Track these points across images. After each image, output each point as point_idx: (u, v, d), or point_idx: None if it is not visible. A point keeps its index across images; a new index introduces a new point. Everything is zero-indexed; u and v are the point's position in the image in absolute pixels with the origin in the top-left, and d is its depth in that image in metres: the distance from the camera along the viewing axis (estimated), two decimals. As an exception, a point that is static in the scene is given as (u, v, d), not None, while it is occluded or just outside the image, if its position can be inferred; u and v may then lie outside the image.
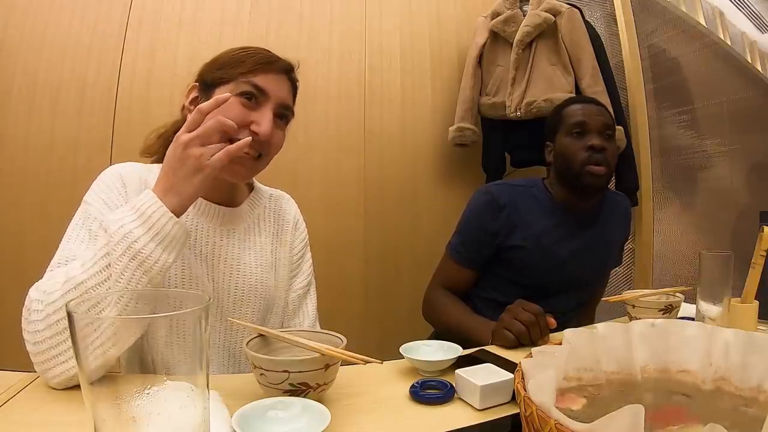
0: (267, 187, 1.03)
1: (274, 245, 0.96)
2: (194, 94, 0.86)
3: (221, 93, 0.81)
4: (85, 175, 0.88)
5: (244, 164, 0.82)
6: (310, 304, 1.00)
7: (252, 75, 0.82)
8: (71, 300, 0.35)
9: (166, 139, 0.91)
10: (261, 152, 0.84)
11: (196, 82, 0.87)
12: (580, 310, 1.37)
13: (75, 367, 0.62)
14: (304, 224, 1.04)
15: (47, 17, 1.53)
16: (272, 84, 0.84)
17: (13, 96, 1.50)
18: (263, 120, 0.81)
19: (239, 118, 0.79)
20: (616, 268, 1.96)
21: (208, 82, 0.85)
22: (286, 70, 0.88)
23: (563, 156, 1.23)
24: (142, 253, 0.66)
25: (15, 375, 0.68)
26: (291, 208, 1.03)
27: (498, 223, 1.22)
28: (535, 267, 1.23)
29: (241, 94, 0.81)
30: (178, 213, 0.70)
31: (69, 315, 0.33)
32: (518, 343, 0.94)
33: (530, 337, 0.93)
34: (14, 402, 0.64)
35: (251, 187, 0.99)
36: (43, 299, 0.66)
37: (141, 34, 1.60)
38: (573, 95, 1.71)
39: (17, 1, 1.51)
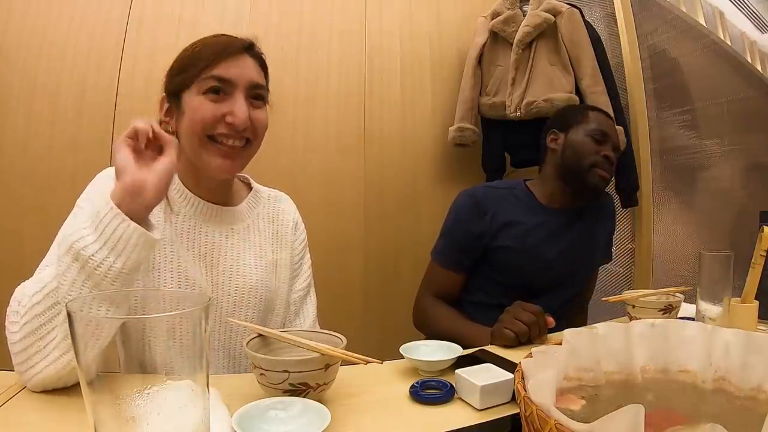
0: (265, 188, 1.02)
1: (274, 246, 0.95)
2: (166, 105, 0.85)
3: (188, 98, 0.80)
4: (85, 176, 0.88)
5: (233, 157, 0.82)
6: (310, 306, 0.99)
7: (211, 68, 0.79)
8: (71, 300, 0.35)
9: None
10: (248, 138, 0.83)
11: (164, 92, 0.85)
12: (570, 308, 1.37)
13: (39, 373, 0.63)
14: (303, 225, 1.03)
15: (47, 18, 1.53)
16: (235, 69, 0.80)
17: (13, 97, 1.50)
18: (236, 109, 0.79)
19: (211, 114, 0.79)
20: (616, 269, 1.96)
21: (172, 91, 0.83)
22: (246, 48, 0.84)
23: (576, 150, 1.25)
24: (92, 260, 0.60)
25: (14, 375, 0.68)
26: (290, 208, 1.02)
27: (483, 225, 1.23)
28: (521, 266, 1.24)
29: (207, 92, 0.79)
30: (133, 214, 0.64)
31: (69, 315, 0.33)
32: (518, 342, 0.94)
33: (530, 336, 0.94)
34: (14, 402, 0.64)
35: (249, 187, 0.99)
36: (22, 301, 0.65)
37: (141, 34, 1.60)
38: (575, 96, 1.72)
39: (17, 2, 1.51)
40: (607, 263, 1.52)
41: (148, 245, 0.64)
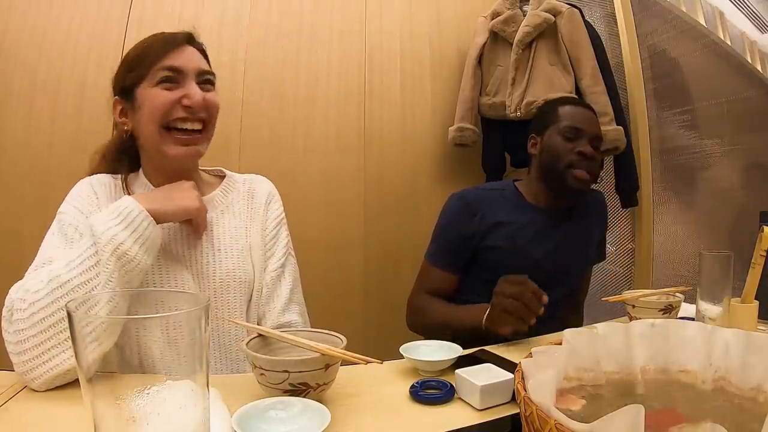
0: (242, 174, 1.02)
1: (249, 229, 0.95)
2: (119, 106, 0.87)
3: (142, 93, 0.83)
4: (85, 175, 0.89)
5: (192, 143, 0.85)
6: (284, 286, 0.95)
7: (161, 61, 0.83)
8: (70, 301, 0.35)
9: (108, 158, 0.93)
10: (203, 120, 0.86)
11: (115, 96, 0.87)
12: (563, 308, 1.37)
13: (58, 365, 0.65)
14: (280, 203, 1.01)
15: (47, 17, 1.53)
16: (183, 59, 0.84)
17: (13, 96, 1.50)
18: (191, 92, 0.83)
19: (167, 101, 0.82)
20: (616, 269, 1.96)
21: (125, 89, 0.85)
22: (188, 41, 0.88)
23: (551, 153, 1.24)
24: (127, 255, 0.70)
25: (14, 375, 0.68)
26: (264, 188, 1.01)
27: (473, 227, 1.23)
28: (511, 266, 1.23)
29: (160, 82, 0.82)
30: (155, 220, 0.75)
31: (69, 315, 0.33)
32: (521, 321, 0.93)
33: (528, 309, 0.93)
34: (14, 402, 0.64)
35: (222, 177, 0.99)
36: (27, 298, 0.67)
37: (141, 34, 1.58)
38: (570, 95, 1.71)
39: (17, 1, 1.51)
40: (599, 263, 1.52)
41: (160, 244, 0.78)
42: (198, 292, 0.86)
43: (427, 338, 0.90)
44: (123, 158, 0.92)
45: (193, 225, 0.85)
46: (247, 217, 0.96)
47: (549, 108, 1.31)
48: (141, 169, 0.92)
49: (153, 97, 0.82)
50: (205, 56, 0.91)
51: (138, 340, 0.34)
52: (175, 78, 0.83)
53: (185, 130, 0.84)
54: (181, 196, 0.81)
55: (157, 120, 0.82)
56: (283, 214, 1.01)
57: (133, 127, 0.86)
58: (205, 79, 0.87)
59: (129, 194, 0.86)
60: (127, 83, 0.85)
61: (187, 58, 0.85)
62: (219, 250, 0.89)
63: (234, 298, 0.88)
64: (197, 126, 0.85)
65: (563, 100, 1.32)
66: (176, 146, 0.83)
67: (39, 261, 0.76)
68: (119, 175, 0.90)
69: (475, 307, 1.06)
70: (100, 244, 0.69)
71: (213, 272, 0.87)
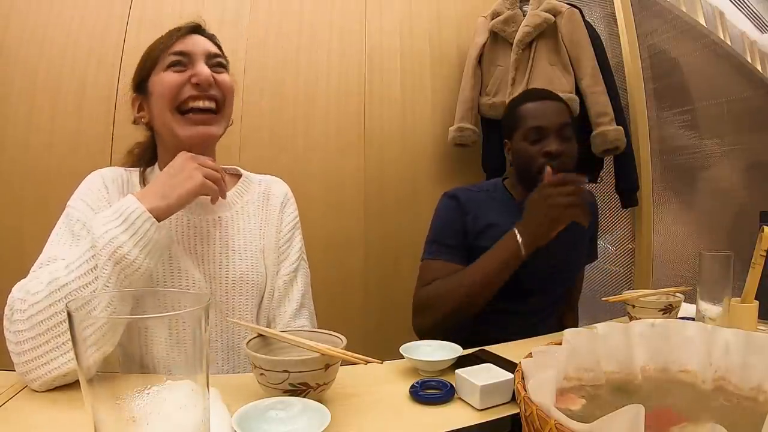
0: (258, 175, 1.02)
1: (263, 230, 0.94)
2: (137, 102, 0.89)
3: (153, 80, 0.85)
4: (85, 175, 0.89)
5: (207, 123, 0.84)
6: (296, 290, 0.94)
7: (169, 48, 0.85)
8: (70, 301, 0.35)
9: (136, 154, 0.94)
10: (216, 100, 0.85)
11: (132, 95, 0.89)
12: (559, 307, 1.36)
13: (56, 369, 0.65)
14: (295, 206, 1.01)
15: (47, 17, 1.53)
16: (191, 44, 0.86)
17: (13, 96, 1.50)
18: (198, 69, 0.83)
19: (176, 82, 0.82)
20: (616, 269, 1.96)
21: (139, 84, 0.87)
22: (195, 31, 0.90)
23: (522, 159, 1.22)
24: (126, 258, 0.68)
25: (15, 375, 0.68)
26: (280, 189, 1.01)
27: (466, 226, 1.23)
28: None
29: (170, 66, 0.84)
30: (161, 216, 0.72)
31: (69, 315, 0.33)
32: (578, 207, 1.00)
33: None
34: (14, 402, 0.64)
35: (238, 177, 0.99)
36: (27, 299, 0.66)
37: (141, 34, 1.60)
38: (575, 96, 1.71)
39: (17, 1, 1.51)
40: (592, 262, 1.51)
41: (168, 245, 0.77)
42: (209, 292, 0.85)
43: (440, 334, 0.89)
44: (146, 153, 0.93)
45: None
46: (262, 219, 0.95)
47: (512, 109, 1.28)
48: (157, 163, 0.92)
49: (162, 79, 0.83)
50: (218, 46, 0.92)
51: (139, 340, 0.34)
52: (183, 61, 0.84)
53: (198, 110, 0.84)
54: (182, 178, 0.76)
55: (168, 101, 0.82)
56: (298, 218, 1.00)
57: (149, 118, 0.87)
58: (216, 62, 0.88)
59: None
60: (140, 77, 0.87)
61: (194, 43, 0.86)
62: (233, 251, 0.88)
63: (245, 300, 0.88)
64: (209, 104, 0.84)
65: (523, 98, 1.28)
66: (191, 126, 0.83)
67: (44, 258, 0.75)
68: (134, 169, 0.90)
69: (500, 242, 1.06)
70: (97, 247, 0.68)
71: (225, 274, 0.86)
